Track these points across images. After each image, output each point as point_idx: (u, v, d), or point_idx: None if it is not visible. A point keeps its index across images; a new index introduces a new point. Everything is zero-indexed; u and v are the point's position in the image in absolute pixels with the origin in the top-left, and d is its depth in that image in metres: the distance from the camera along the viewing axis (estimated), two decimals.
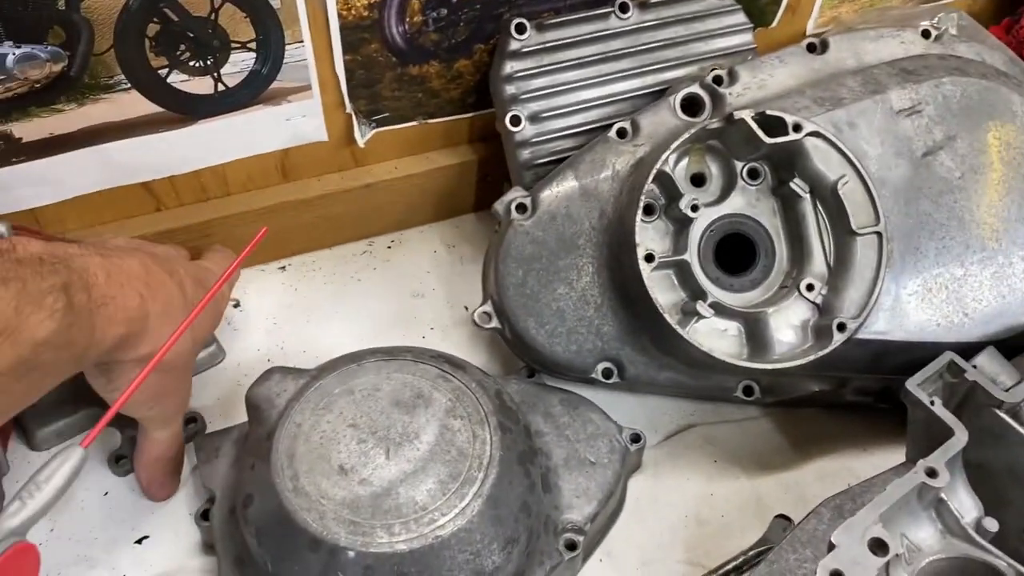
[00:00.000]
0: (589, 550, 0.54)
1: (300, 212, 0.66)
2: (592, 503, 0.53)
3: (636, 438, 0.56)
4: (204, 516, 0.51)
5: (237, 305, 0.66)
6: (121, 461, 0.56)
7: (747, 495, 0.57)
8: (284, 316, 0.66)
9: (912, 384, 0.47)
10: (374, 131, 0.65)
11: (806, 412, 0.61)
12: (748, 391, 0.58)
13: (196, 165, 0.62)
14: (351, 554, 0.43)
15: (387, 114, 0.65)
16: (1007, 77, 0.60)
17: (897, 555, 0.40)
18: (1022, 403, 0.47)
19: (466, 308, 0.67)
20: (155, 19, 0.53)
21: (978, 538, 0.42)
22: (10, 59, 0.52)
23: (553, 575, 0.50)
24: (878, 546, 0.40)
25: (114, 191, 0.61)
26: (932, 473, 0.42)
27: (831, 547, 0.40)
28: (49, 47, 0.52)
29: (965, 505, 0.45)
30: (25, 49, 0.51)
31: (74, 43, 0.52)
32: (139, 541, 0.54)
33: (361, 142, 0.64)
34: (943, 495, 0.42)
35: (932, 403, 0.46)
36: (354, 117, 0.63)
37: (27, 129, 0.55)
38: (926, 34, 0.62)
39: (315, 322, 0.66)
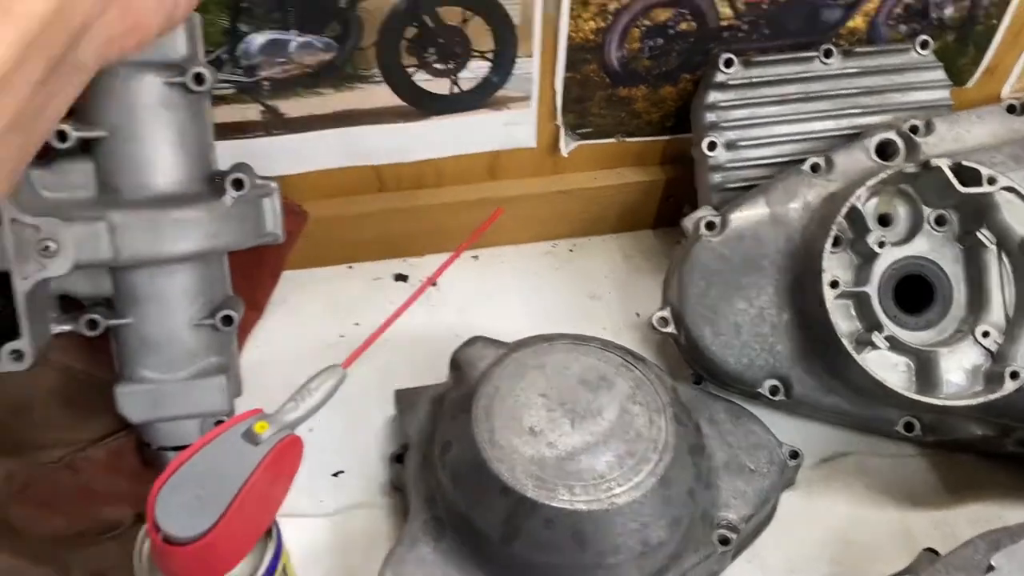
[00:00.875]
0: (739, 550, 0.57)
1: (499, 208, 0.73)
2: (748, 506, 0.56)
3: (794, 455, 0.59)
4: (398, 459, 0.58)
5: (435, 284, 0.73)
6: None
7: (896, 526, 0.59)
8: (473, 300, 0.73)
9: None
10: (577, 143, 0.71)
11: (963, 457, 0.62)
12: (909, 427, 0.60)
13: (420, 156, 0.69)
14: (536, 505, 0.49)
15: (591, 129, 0.71)
16: None
17: None
18: None
19: (637, 314, 0.72)
20: (414, 23, 0.61)
21: None
22: (293, 45, 0.61)
23: (704, 565, 0.54)
24: None
25: (347, 170, 0.69)
26: None
27: (990, 568, 0.43)
28: (325, 38, 0.61)
29: None
30: (306, 38, 0.60)
31: (345, 37, 0.61)
32: (335, 474, 0.61)
33: (565, 152, 0.71)
34: None
35: None
36: (562, 129, 0.70)
37: (291, 107, 0.64)
38: None
39: (500, 308, 0.72)
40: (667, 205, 0.76)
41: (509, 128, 0.69)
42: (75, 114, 0.51)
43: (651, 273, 0.75)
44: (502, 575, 0.51)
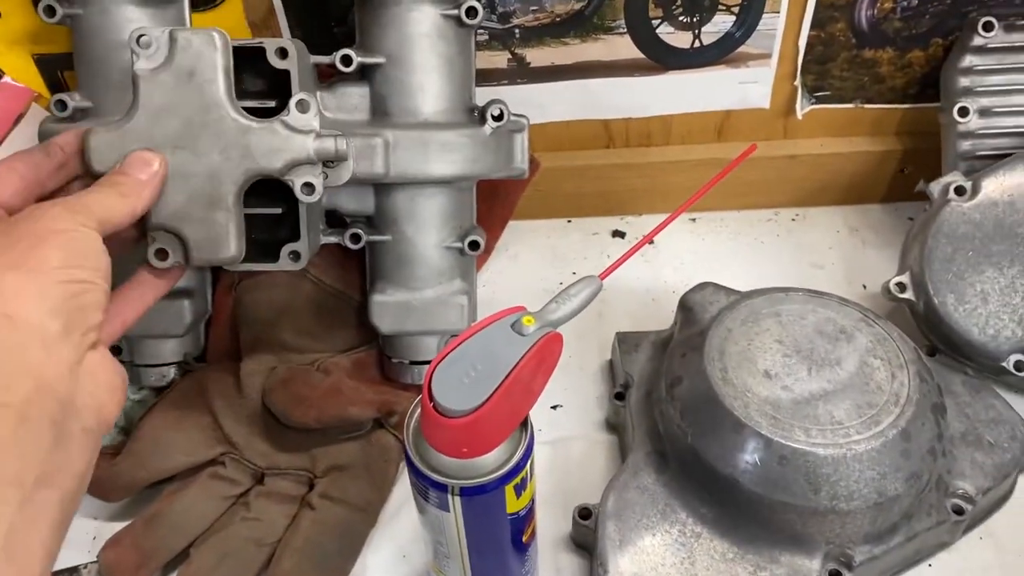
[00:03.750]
0: (972, 523, 0.54)
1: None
2: (986, 479, 0.53)
3: None
4: (619, 397, 0.59)
5: (652, 243, 0.74)
6: None
7: None
8: (689, 260, 0.73)
9: None
10: (812, 106, 0.70)
11: None
12: None
13: (652, 112, 0.71)
14: (771, 443, 0.48)
15: (829, 92, 0.69)
16: None
17: None
18: None
19: (864, 287, 0.70)
20: None
21: None
22: None
23: (935, 531, 0.52)
24: None
25: (579, 124, 0.71)
26: None
27: None
28: None
29: None
30: None
31: None
32: (553, 407, 0.63)
33: (799, 114, 0.70)
34: None
35: None
36: (799, 90, 0.69)
37: (536, 56, 0.67)
38: None
39: (715, 271, 0.71)
40: (900, 178, 0.73)
41: (744, 87, 0.69)
42: (357, 42, 0.56)
43: (879, 247, 0.72)
44: (726, 510, 0.51)
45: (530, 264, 0.74)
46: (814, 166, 0.73)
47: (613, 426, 0.61)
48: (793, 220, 0.76)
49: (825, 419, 0.49)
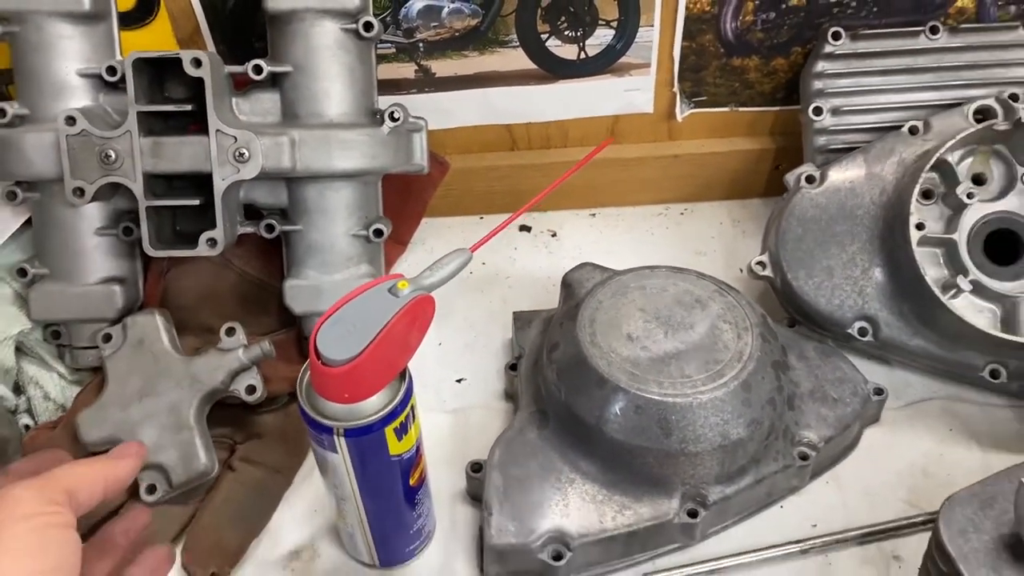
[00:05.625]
0: (818, 470, 0.62)
1: (617, 170, 0.81)
2: (829, 429, 0.61)
3: (879, 391, 0.64)
4: (512, 368, 0.66)
5: (554, 235, 0.82)
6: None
7: (977, 465, 0.62)
8: (589, 251, 0.80)
9: None
10: (692, 111, 0.78)
11: None
12: (995, 374, 0.63)
13: (548, 117, 0.78)
14: (628, 394, 0.55)
15: (705, 97, 0.78)
16: None
17: None
18: None
19: (741, 270, 0.77)
20: None
21: None
22: (445, 11, 0.71)
23: (783, 475, 0.59)
24: None
25: (484, 128, 0.79)
26: None
27: None
28: (472, 5, 0.71)
29: None
30: (457, 4, 0.70)
31: (490, 4, 0.70)
32: (458, 380, 0.70)
33: (680, 117, 0.78)
34: None
35: None
36: (678, 96, 0.77)
37: (440, 67, 0.74)
38: None
39: (612, 258, 0.78)
40: (776, 174, 0.81)
41: (629, 94, 0.77)
42: (268, 53, 0.63)
43: (757, 236, 0.79)
44: (596, 459, 0.57)
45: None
46: (697, 164, 0.81)
47: (510, 395, 0.68)
48: (682, 214, 0.84)
49: (676, 374, 0.57)
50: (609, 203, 0.84)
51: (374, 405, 0.48)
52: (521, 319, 0.69)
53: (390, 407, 0.48)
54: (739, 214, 0.83)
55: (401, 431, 0.50)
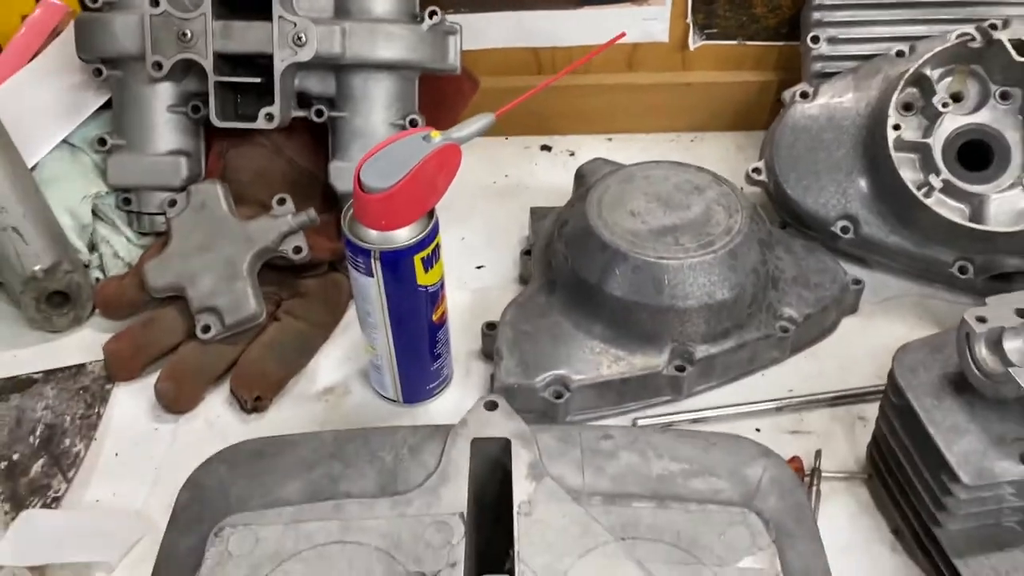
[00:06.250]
0: (798, 346, 0.69)
1: (633, 96, 0.89)
2: (808, 308, 0.68)
3: (856, 281, 0.70)
4: (527, 253, 0.74)
5: (572, 155, 0.89)
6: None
7: None
8: None
9: None
10: (703, 42, 0.86)
11: None
12: (963, 270, 0.70)
13: (574, 42, 0.86)
14: (627, 256, 0.63)
15: (716, 30, 0.85)
16: None
17: None
18: None
19: (741, 188, 0.84)
20: None
21: None
22: None
23: (765, 342, 0.66)
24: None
25: (513, 51, 0.87)
26: None
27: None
28: None
29: None
30: None
31: None
32: (478, 267, 0.78)
33: (692, 47, 0.85)
34: None
35: None
36: (691, 27, 0.85)
37: None
38: None
39: None
40: (779, 107, 0.88)
41: (647, 23, 0.84)
42: None
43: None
44: (595, 316, 0.65)
45: (473, 167, 0.88)
46: (707, 94, 0.88)
47: (524, 279, 0.76)
48: (692, 141, 0.91)
49: (672, 243, 0.64)
50: (624, 129, 0.91)
51: (406, 235, 0.56)
52: (537, 214, 0.77)
53: (419, 236, 0.56)
54: (743, 143, 0.90)
55: (428, 263, 0.58)
